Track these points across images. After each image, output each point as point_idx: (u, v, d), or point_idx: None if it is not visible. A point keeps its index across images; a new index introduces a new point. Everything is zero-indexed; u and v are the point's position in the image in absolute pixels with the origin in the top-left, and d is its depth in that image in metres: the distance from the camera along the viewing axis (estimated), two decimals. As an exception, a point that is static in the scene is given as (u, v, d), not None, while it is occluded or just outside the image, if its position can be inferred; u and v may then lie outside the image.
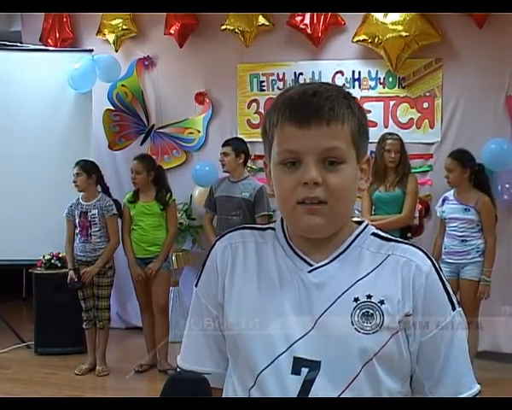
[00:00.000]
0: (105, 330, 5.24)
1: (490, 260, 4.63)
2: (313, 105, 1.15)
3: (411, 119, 5.73)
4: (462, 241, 4.64)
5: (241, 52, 6.04)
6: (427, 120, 5.70)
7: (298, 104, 1.16)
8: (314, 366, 1.16)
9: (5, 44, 6.11)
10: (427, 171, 5.66)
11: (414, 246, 1.26)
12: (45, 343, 5.65)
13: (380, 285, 1.19)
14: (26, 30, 6.82)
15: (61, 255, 5.61)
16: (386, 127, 5.68)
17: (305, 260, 1.22)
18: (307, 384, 1.16)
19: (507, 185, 5.38)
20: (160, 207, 5.15)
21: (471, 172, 4.67)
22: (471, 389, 1.23)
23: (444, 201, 4.78)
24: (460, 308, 1.23)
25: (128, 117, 6.46)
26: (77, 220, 5.15)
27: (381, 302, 1.18)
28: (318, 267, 1.21)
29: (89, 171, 5.14)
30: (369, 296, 1.18)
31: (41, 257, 5.71)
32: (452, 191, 4.75)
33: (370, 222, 1.32)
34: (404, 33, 5.45)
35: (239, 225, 1.35)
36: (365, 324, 1.17)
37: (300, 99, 1.17)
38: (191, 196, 6.19)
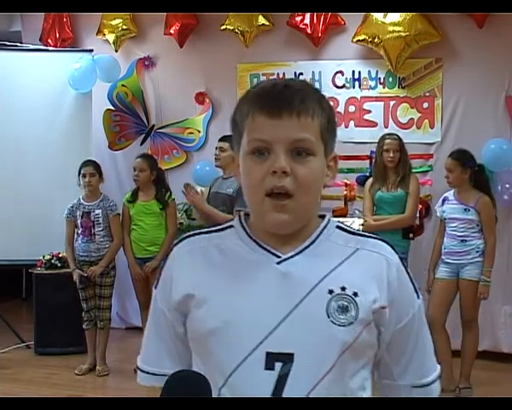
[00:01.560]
0: (105, 330, 5.24)
1: (490, 260, 4.62)
2: (284, 96, 1.17)
3: (411, 119, 5.73)
4: (462, 241, 4.64)
5: (241, 52, 6.03)
6: (427, 120, 5.70)
7: (269, 95, 1.18)
8: (287, 358, 1.15)
9: (5, 44, 6.11)
10: (428, 171, 5.66)
11: (381, 240, 1.28)
12: (45, 343, 5.65)
13: (353, 278, 1.20)
14: (26, 30, 6.82)
15: (61, 255, 5.61)
16: (386, 127, 5.68)
17: (272, 253, 1.22)
18: (282, 379, 1.15)
19: (507, 185, 5.38)
20: (159, 206, 5.16)
21: (471, 173, 4.66)
22: (435, 371, 1.30)
23: (444, 201, 4.78)
24: (421, 296, 1.29)
25: (128, 117, 6.46)
26: (79, 221, 5.16)
27: (355, 294, 1.19)
28: (287, 259, 1.21)
29: (100, 171, 5.22)
30: (343, 288, 1.19)
31: (41, 257, 5.70)
32: (452, 191, 4.75)
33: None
34: (404, 33, 5.45)
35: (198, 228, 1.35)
36: (341, 316, 1.17)
37: (272, 90, 1.19)
38: (191, 196, 6.18)
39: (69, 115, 6.12)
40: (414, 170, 5.12)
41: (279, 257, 1.21)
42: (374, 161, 5.18)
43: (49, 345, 5.63)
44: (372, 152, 5.51)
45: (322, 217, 1.29)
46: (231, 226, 1.29)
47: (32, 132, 5.92)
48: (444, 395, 4.60)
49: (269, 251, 1.22)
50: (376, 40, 5.55)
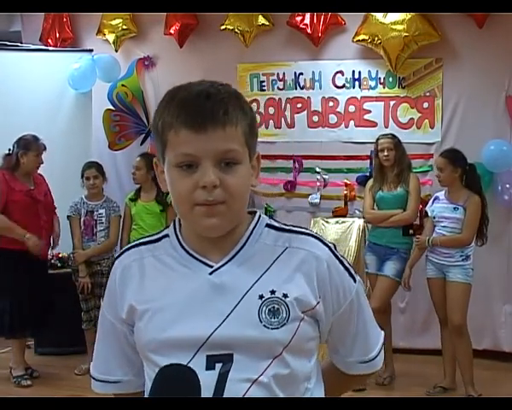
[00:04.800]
0: (105, 330, 5.24)
1: (450, 241, 4.55)
2: (208, 109, 1.18)
3: (411, 119, 5.73)
4: None
5: (241, 52, 6.04)
6: (427, 120, 5.70)
7: (192, 108, 1.19)
8: (227, 358, 1.19)
9: (5, 44, 6.10)
10: (428, 171, 5.66)
11: (309, 234, 1.30)
12: (45, 343, 5.65)
13: (281, 279, 1.23)
14: (26, 30, 6.81)
15: (61, 255, 5.61)
16: (386, 127, 5.68)
17: (204, 263, 1.25)
18: (223, 376, 1.19)
19: (507, 185, 5.38)
20: (159, 207, 5.18)
21: (462, 172, 4.63)
22: (379, 342, 1.36)
23: (434, 200, 4.76)
24: (358, 277, 1.31)
25: (128, 117, 6.46)
26: (82, 219, 5.18)
27: (285, 296, 1.21)
28: (218, 268, 1.24)
29: (103, 172, 5.27)
30: (272, 292, 1.21)
31: (41, 257, 5.69)
32: (443, 192, 4.73)
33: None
34: (404, 33, 5.46)
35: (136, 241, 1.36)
36: (272, 319, 1.20)
37: (195, 103, 1.19)
38: (191, 196, 6.19)
39: (69, 115, 6.12)
40: (414, 170, 5.12)
41: (211, 266, 1.24)
42: (373, 162, 5.20)
43: (49, 345, 5.63)
44: (372, 152, 5.52)
45: (253, 213, 1.31)
46: (167, 236, 1.31)
47: (32, 132, 5.91)
48: (446, 394, 4.62)
49: (201, 261, 1.25)
50: (376, 40, 5.55)
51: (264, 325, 1.20)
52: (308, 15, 5.78)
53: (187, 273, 1.25)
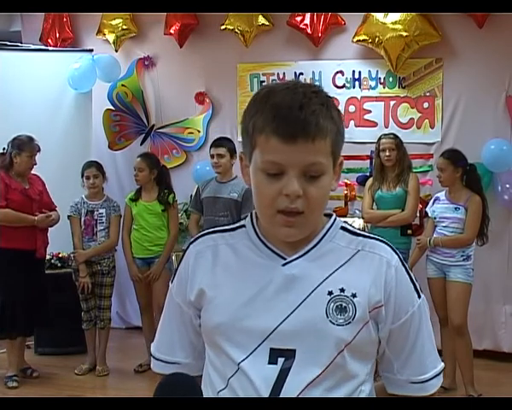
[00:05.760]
0: (106, 329, 5.24)
1: (453, 241, 4.54)
2: (300, 120, 1.18)
3: (411, 119, 5.73)
4: None
5: (241, 52, 6.04)
6: (427, 120, 5.70)
7: (285, 118, 1.19)
8: (289, 354, 1.23)
9: (5, 44, 6.10)
10: (428, 171, 5.66)
11: (381, 241, 1.33)
12: (45, 343, 5.65)
13: (352, 279, 1.26)
14: (26, 30, 6.82)
15: (61, 255, 5.61)
16: (386, 127, 5.68)
17: (278, 255, 1.28)
18: (283, 372, 1.23)
19: (507, 185, 5.38)
20: (161, 207, 5.16)
21: (463, 172, 4.64)
22: (435, 368, 1.34)
23: (435, 200, 4.76)
24: (423, 295, 1.34)
25: (128, 117, 6.46)
26: (82, 219, 5.17)
27: (354, 295, 1.25)
28: (292, 261, 1.27)
29: (103, 172, 5.26)
30: (342, 290, 1.25)
31: (41, 257, 5.69)
32: (444, 192, 4.73)
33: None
34: (404, 33, 5.46)
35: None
36: (339, 316, 1.24)
37: (288, 112, 1.19)
38: (191, 196, 6.18)
39: (69, 115, 6.12)
40: (414, 170, 5.12)
41: (285, 259, 1.28)
42: (373, 161, 5.20)
43: (49, 345, 5.63)
44: (372, 152, 5.52)
45: (330, 215, 1.34)
46: (243, 226, 1.35)
47: (32, 132, 5.87)
48: (446, 394, 4.62)
49: (276, 253, 1.28)
50: (376, 40, 5.55)
51: (330, 321, 1.23)
52: (308, 15, 5.78)
53: (261, 263, 1.28)
